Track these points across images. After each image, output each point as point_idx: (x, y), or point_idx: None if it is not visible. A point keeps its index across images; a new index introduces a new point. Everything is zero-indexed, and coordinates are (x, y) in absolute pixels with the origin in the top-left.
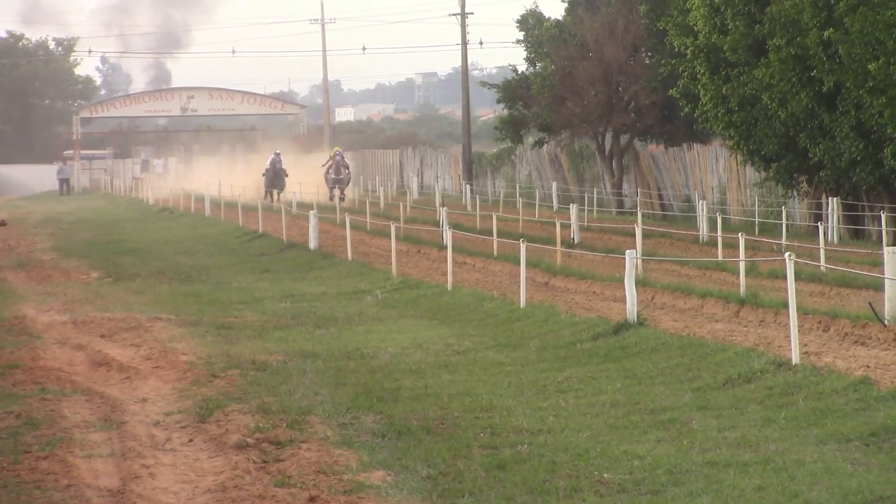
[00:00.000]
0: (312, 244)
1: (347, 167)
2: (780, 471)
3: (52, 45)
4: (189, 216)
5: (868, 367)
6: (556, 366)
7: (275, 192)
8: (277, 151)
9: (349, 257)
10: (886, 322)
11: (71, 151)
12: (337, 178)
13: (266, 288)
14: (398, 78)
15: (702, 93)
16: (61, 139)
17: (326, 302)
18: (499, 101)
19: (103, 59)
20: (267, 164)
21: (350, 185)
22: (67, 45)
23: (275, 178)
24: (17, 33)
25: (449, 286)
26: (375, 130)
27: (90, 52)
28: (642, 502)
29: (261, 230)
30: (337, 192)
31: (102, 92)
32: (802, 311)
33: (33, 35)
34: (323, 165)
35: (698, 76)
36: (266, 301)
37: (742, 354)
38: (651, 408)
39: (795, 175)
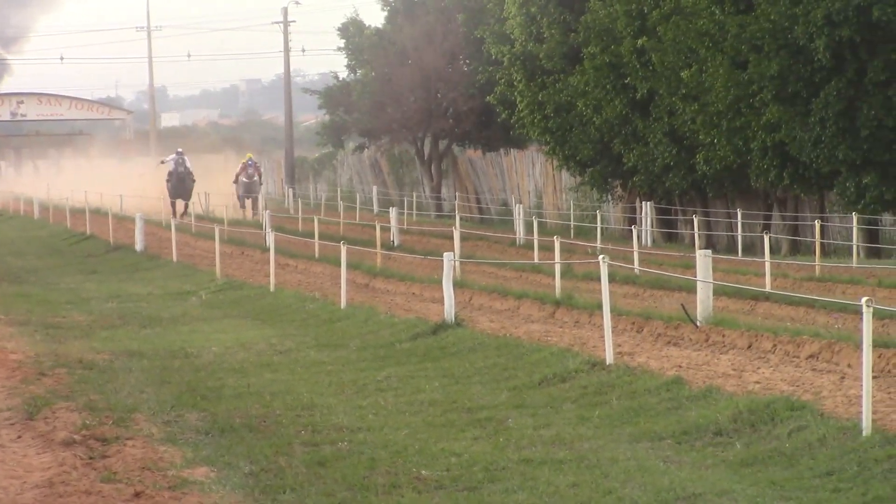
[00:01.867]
0: (139, 246)
1: (260, 175)
2: (594, 468)
3: None
4: (19, 218)
5: (680, 367)
6: (375, 365)
7: (182, 202)
8: (179, 150)
9: (174, 259)
10: (698, 323)
11: None
12: (249, 184)
13: (93, 289)
14: (223, 84)
15: (518, 99)
16: None
17: (152, 302)
18: (320, 108)
19: None
20: (170, 166)
21: (260, 194)
22: None
23: (179, 184)
24: None
25: (272, 287)
26: (200, 135)
27: None
28: (459, 499)
29: (88, 232)
30: (249, 202)
31: None
32: (616, 313)
33: None
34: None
35: (515, 83)
36: (93, 301)
37: (557, 354)
38: (468, 406)
39: (610, 180)
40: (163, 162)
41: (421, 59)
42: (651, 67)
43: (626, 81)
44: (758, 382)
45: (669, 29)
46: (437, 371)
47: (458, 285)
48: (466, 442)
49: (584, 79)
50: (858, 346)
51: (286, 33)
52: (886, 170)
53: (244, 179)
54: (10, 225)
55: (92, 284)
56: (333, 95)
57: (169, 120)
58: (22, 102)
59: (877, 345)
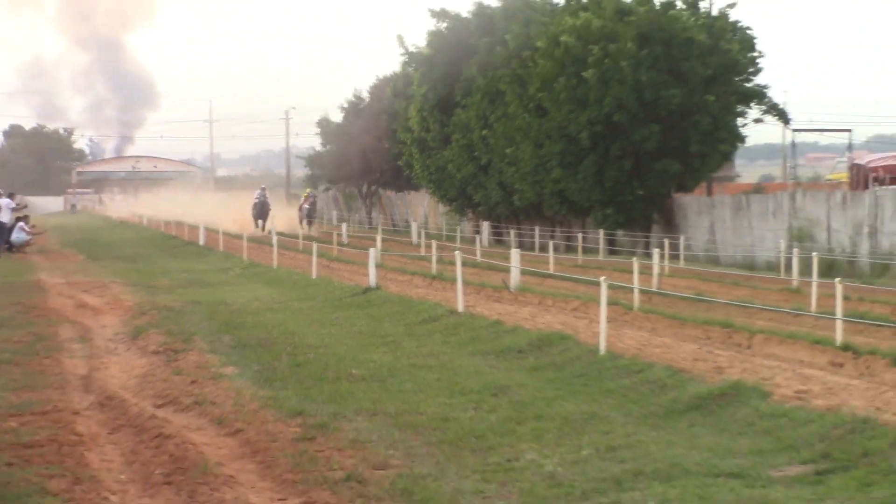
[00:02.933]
0: (202, 241)
1: (315, 205)
2: (450, 369)
3: (61, 130)
4: (135, 226)
5: (500, 314)
6: (330, 310)
7: (261, 221)
8: (263, 187)
9: (221, 249)
10: (511, 289)
11: (72, 189)
12: (311, 210)
13: (175, 266)
14: (253, 152)
15: (415, 164)
16: (68, 183)
17: (207, 274)
18: (305, 166)
19: (90, 139)
20: (254, 198)
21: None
22: (69, 130)
23: (261, 210)
24: (41, 125)
25: (275, 266)
26: (239, 182)
27: (82, 135)
28: (374, 386)
29: (173, 234)
30: (306, 223)
31: (89, 157)
32: (465, 283)
33: (51, 125)
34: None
35: (413, 154)
36: (174, 272)
37: (432, 306)
38: (381, 334)
39: (465, 209)
40: (256, 198)
41: (362, 140)
42: (489, 146)
43: (475, 154)
44: (543, 323)
45: (500, 125)
46: (364, 314)
47: (379, 266)
48: (378, 354)
49: (452, 153)
50: (599, 303)
51: (287, 125)
52: (619, 206)
53: (306, 206)
54: (129, 230)
55: (174, 263)
56: (313, 160)
57: (221, 173)
58: (138, 161)
59: (609, 302)
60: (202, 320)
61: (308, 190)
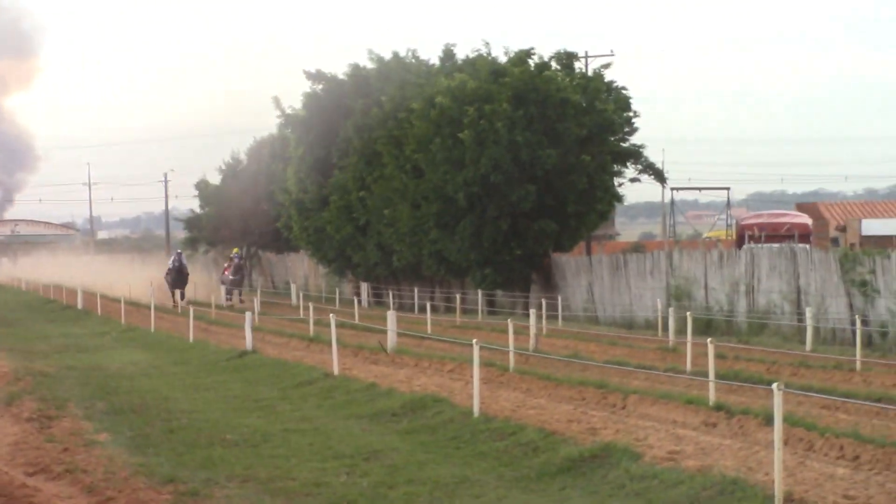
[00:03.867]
0: (80, 305)
1: (243, 269)
2: (323, 433)
3: None
4: (13, 290)
5: (376, 376)
6: (205, 374)
7: (178, 291)
8: (179, 251)
9: (99, 313)
10: (388, 352)
11: None
12: (235, 279)
13: (53, 330)
14: (132, 215)
15: (294, 226)
16: None
17: (84, 338)
18: (185, 228)
19: None
20: (169, 264)
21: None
22: None
23: (177, 278)
24: None
25: (152, 329)
26: (118, 244)
27: None
28: (247, 451)
29: (52, 297)
30: (236, 294)
31: None
32: (343, 345)
33: None
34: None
35: (292, 216)
36: (52, 337)
37: (308, 369)
38: (255, 398)
39: (344, 269)
40: (171, 262)
41: (240, 202)
42: (367, 207)
43: (354, 215)
44: (419, 385)
45: (378, 186)
46: (240, 378)
47: (256, 329)
48: (252, 419)
49: (330, 214)
50: (474, 365)
51: (166, 187)
52: (497, 266)
53: (230, 277)
54: (7, 293)
55: (52, 327)
56: (191, 222)
57: (101, 236)
58: (17, 224)
59: (485, 363)
60: (77, 386)
61: (235, 250)
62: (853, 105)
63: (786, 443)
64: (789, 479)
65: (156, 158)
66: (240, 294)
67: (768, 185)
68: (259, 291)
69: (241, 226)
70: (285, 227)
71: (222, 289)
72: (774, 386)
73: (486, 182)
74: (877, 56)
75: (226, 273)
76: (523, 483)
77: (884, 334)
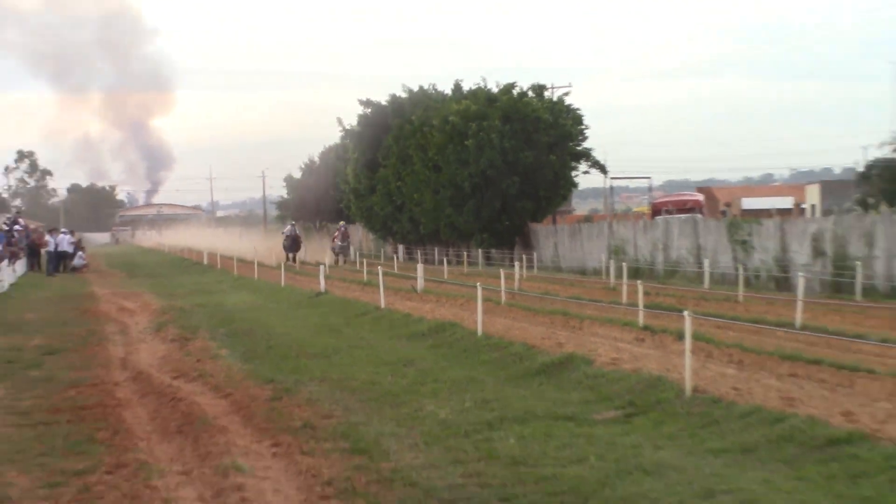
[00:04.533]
0: (205, 262)
1: (349, 237)
2: (375, 349)
3: (107, 187)
4: (161, 253)
5: (410, 309)
6: (293, 309)
7: (292, 254)
8: (293, 223)
9: (218, 267)
10: (418, 291)
11: (115, 228)
12: (341, 245)
13: (188, 280)
14: (242, 199)
15: (352, 206)
16: (112, 223)
17: (209, 285)
18: (277, 209)
19: (127, 192)
20: (285, 232)
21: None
22: (112, 186)
23: (292, 244)
24: (92, 183)
25: (255, 278)
26: (231, 220)
27: (122, 189)
28: (322, 362)
29: (185, 257)
30: (341, 257)
31: (126, 204)
32: (386, 287)
33: (99, 183)
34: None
35: (350, 200)
36: (187, 284)
37: (363, 304)
38: (328, 325)
39: (386, 236)
40: (283, 232)
41: (315, 190)
42: (402, 193)
43: (393, 198)
44: (439, 314)
45: (409, 178)
46: (317, 311)
47: (327, 278)
48: (326, 339)
49: (376, 198)
50: (477, 300)
51: (264, 180)
52: (492, 233)
53: (338, 243)
54: (155, 255)
55: (186, 278)
56: (282, 204)
57: (219, 214)
58: (161, 207)
59: (485, 299)
60: (204, 317)
61: (341, 223)
62: (732, 117)
63: (692, 352)
64: (695, 376)
65: (257, 159)
66: (346, 257)
67: (677, 175)
68: (328, 252)
69: (315, 207)
70: (346, 207)
71: (331, 252)
72: (685, 312)
73: (484, 175)
74: (749, 82)
75: (335, 241)
76: (513, 381)
77: (757, 277)
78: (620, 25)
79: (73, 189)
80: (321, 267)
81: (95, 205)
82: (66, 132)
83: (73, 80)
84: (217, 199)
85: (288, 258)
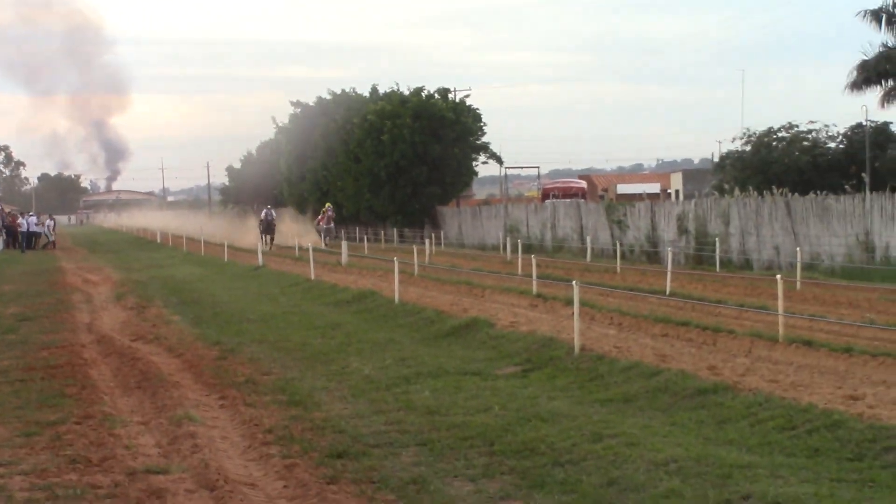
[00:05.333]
0: (159, 240)
1: (334, 220)
2: (306, 314)
3: (72, 175)
4: (120, 233)
5: (336, 280)
6: (235, 280)
7: (267, 237)
8: (269, 206)
9: (170, 244)
10: (343, 265)
11: (80, 211)
12: (327, 227)
13: (142, 255)
14: (189, 186)
15: (285, 192)
16: (77, 207)
17: (161, 260)
18: (220, 195)
19: (90, 180)
20: (261, 216)
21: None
22: (77, 175)
23: (267, 227)
24: (59, 172)
25: (202, 254)
26: (176, 204)
27: (85, 178)
28: (261, 326)
29: (140, 236)
30: (327, 238)
31: (90, 190)
32: (315, 262)
33: (65, 172)
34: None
35: (284, 187)
36: (142, 259)
37: (296, 277)
38: (266, 294)
39: (315, 218)
40: (260, 217)
41: (253, 179)
42: (328, 181)
43: (321, 186)
44: (362, 285)
45: (334, 168)
46: (256, 282)
47: (264, 253)
48: (264, 306)
49: (306, 185)
50: (394, 273)
51: (209, 169)
52: (405, 214)
53: (323, 226)
54: (114, 235)
55: (141, 254)
56: (224, 191)
57: (169, 199)
58: (119, 194)
59: (400, 271)
60: (158, 288)
61: (328, 204)
62: (607, 116)
63: (579, 316)
64: (582, 336)
65: (203, 152)
66: (332, 238)
67: (561, 165)
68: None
69: (253, 193)
70: (280, 194)
71: (318, 234)
72: (574, 282)
73: (397, 165)
74: (622, 86)
75: (321, 223)
76: (426, 342)
77: (632, 251)
78: (508, 39)
79: (43, 178)
80: (258, 245)
81: (63, 191)
82: (37, 129)
83: (42, 85)
84: (168, 186)
85: (263, 240)
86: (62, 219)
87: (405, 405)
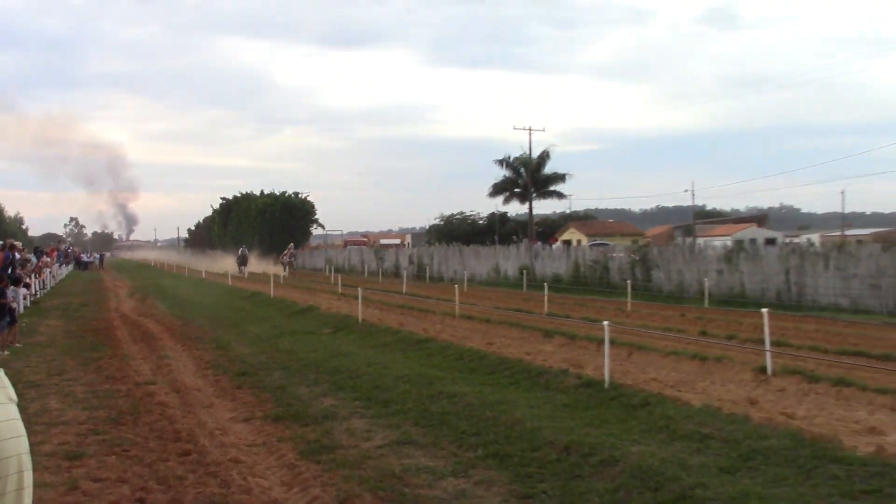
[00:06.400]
0: (153, 265)
1: (294, 255)
2: (225, 303)
3: (109, 231)
4: (132, 262)
5: (244, 285)
6: (202, 287)
7: (243, 268)
8: (244, 247)
9: (161, 268)
10: (245, 276)
11: (113, 250)
12: (289, 260)
13: (145, 273)
14: (169, 234)
15: (216, 241)
16: (112, 248)
17: (155, 276)
18: (185, 244)
19: (119, 234)
20: (239, 253)
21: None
22: (110, 231)
23: (242, 260)
24: (102, 230)
25: (186, 273)
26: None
27: (115, 233)
28: (205, 309)
29: (147, 264)
30: (289, 269)
31: (118, 239)
32: (235, 278)
33: (106, 230)
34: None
35: (217, 240)
36: (144, 275)
37: (252, 292)
38: (213, 294)
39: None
40: (238, 252)
41: (201, 235)
42: (238, 236)
43: (234, 239)
44: (254, 288)
45: (239, 230)
46: (224, 292)
47: (236, 277)
48: (211, 299)
49: (227, 239)
50: (270, 283)
51: (178, 231)
52: (278, 254)
53: (286, 259)
54: (130, 263)
55: (144, 272)
56: (187, 241)
57: (159, 245)
58: (133, 241)
59: (276, 283)
60: (152, 290)
61: (291, 244)
62: (379, 200)
63: (363, 304)
64: (363, 313)
65: (175, 219)
66: (293, 270)
67: (354, 228)
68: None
69: (201, 242)
70: (216, 241)
71: (283, 265)
72: (359, 289)
73: (273, 228)
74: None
75: (284, 257)
76: (287, 316)
77: (386, 274)
78: (338, 168)
79: (94, 234)
80: (203, 271)
81: (105, 240)
82: (90, 208)
83: (94, 186)
84: (157, 238)
85: (240, 270)
86: (106, 254)
87: (275, 348)
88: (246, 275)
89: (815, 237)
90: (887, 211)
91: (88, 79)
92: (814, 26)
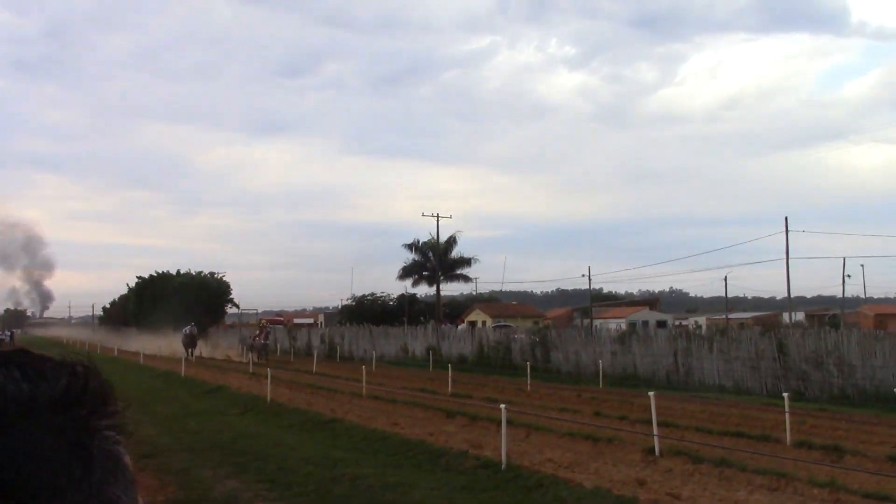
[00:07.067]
0: (65, 343)
1: (269, 334)
2: (142, 379)
3: (22, 308)
4: (45, 339)
5: (156, 364)
6: (133, 370)
7: (190, 349)
8: (192, 324)
9: (73, 346)
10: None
11: (25, 327)
12: (264, 343)
13: (57, 351)
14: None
15: (131, 319)
16: (24, 325)
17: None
18: (99, 321)
19: (32, 312)
20: (185, 331)
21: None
22: (23, 308)
23: (190, 341)
24: (14, 307)
25: (97, 351)
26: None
27: (28, 310)
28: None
29: (60, 341)
30: (263, 354)
31: (31, 317)
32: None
33: (19, 307)
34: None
35: (132, 317)
36: (57, 352)
37: (163, 371)
38: (161, 388)
39: (148, 331)
40: (184, 331)
41: (117, 311)
42: (154, 314)
43: (149, 316)
44: (167, 367)
45: (152, 308)
46: (154, 375)
47: (187, 360)
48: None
49: (141, 316)
50: (182, 362)
51: (93, 308)
52: (200, 329)
53: (261, 341)
54: (42, 340)
55: (57, 350)
56: (102, 318)
57: (73, 321)
58: (48, 319)
59: (187, 362)
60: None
61: (263, 321)
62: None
63: (272, 383)
64: (272, 393)
65: (90, 297)
66: (267, 355)
67: (269, 307)
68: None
69: (117, 319)
70: (131, 319)
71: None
72: (269, 369)
73: (190, 306)
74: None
75: (258, 338)
76: (196, 396)
77: (300, 352)
78: (254, 249)
79: (6, 311)
80: (141, 353)
81: (17, 317)
82: (1, 286)
83: (8, 264)
84: (72, 315)
85: (187, 353)
86: (16, 332)
87: (183, 429)
88: (193, 359)
89: (703, 320)
90: (766, 296)
91: (8, 158)
92: (697, 128)
